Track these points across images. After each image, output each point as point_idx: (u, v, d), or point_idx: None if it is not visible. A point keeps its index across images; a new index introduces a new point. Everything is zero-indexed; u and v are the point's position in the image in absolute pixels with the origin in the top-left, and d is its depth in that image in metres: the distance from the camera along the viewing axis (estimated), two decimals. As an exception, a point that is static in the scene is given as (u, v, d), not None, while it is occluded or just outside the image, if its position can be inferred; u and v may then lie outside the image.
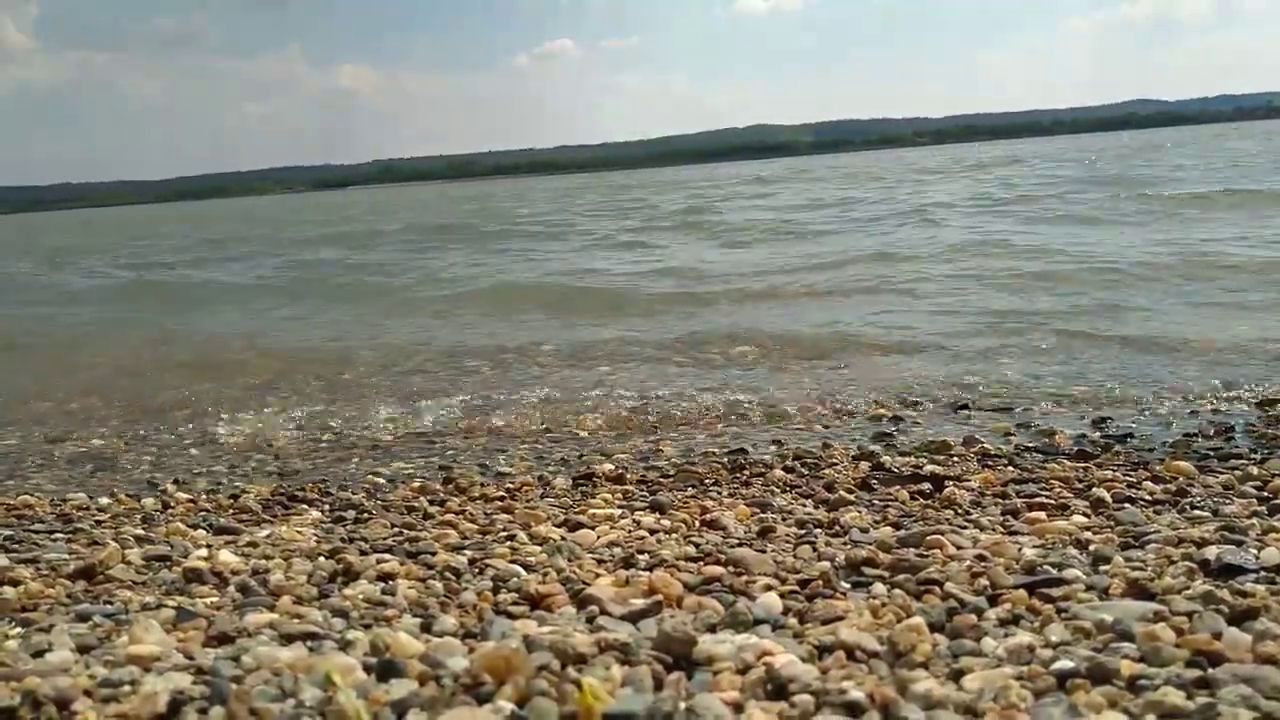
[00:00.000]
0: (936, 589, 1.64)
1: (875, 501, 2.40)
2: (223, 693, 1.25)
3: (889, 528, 2.12)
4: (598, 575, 1.83)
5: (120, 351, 6.31)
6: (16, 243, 27.62)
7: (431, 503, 2.60)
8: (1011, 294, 6.29)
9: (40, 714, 1.22)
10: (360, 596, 1.74)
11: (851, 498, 2.42)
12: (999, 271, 7.24)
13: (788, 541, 2.04)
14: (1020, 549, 1.86)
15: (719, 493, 2.58)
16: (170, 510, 2.67)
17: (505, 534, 2.20)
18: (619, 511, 2.37)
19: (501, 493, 2.68)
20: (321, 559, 2.02)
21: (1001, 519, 2.17)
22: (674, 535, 2.13)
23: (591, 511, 2.37)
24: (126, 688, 1.29)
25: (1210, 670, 1.24)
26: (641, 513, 2.36)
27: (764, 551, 1.92)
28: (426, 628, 1.57)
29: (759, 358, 4.84)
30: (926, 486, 2.50)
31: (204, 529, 2.39)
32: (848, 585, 1.72)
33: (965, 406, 3.62)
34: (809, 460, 2.94)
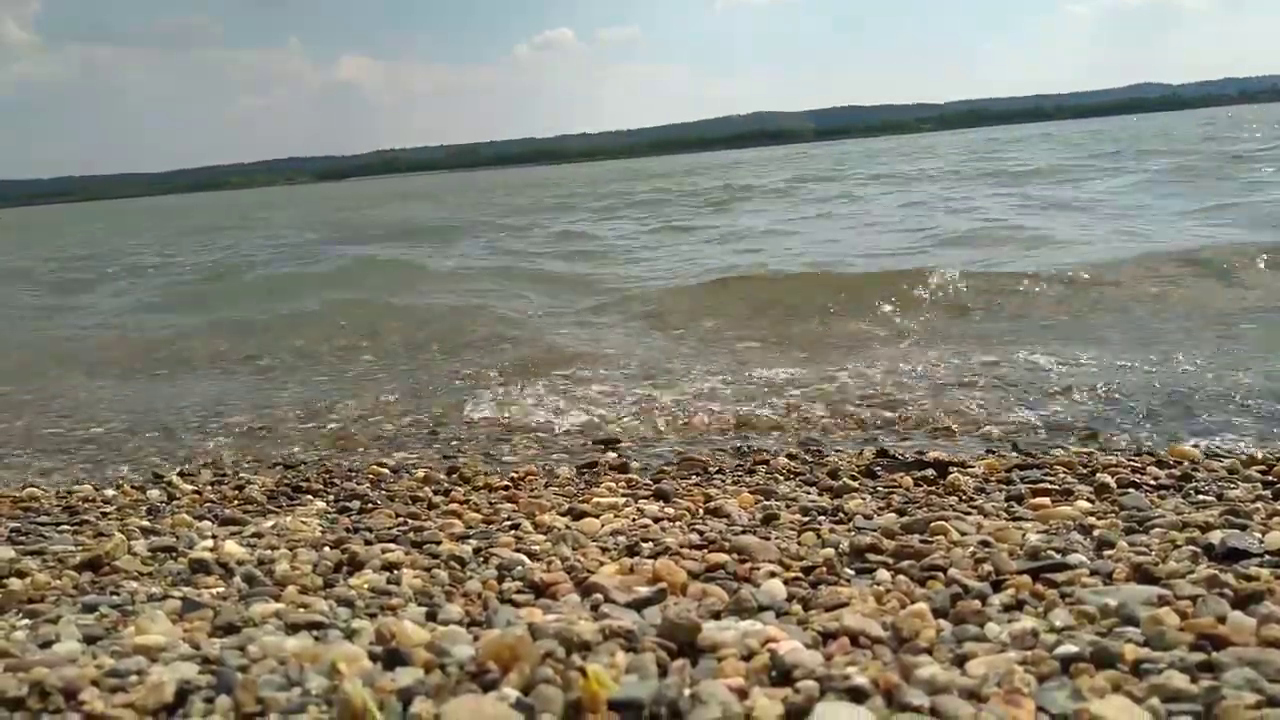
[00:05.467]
0: (940, 575, 1.64)
1: (879, 488, 2.40)
2: (229, 682, 1.26)
3: (893, 514, 2.12)
4: (602, 563, 1.83)
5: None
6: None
7: (436, 492, 2.61)
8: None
9: (48, 704, 1.22)
10: (365, 586, 1.74)
11: (855, 484, 2.42)
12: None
13: (792, 528, 2.04)
14: (1024, 534, 1.86)
15: (723, 480, 2.58)
16: (176, 502, 2.68)
17: (509, 523, 2.20)
18: (623, 500, 2.37)
19: (506, 482, 2.69)
20: (326, 549, 2.03)
21: (1005, 505, 2.17)
22: (678, 523, 2.13)
23: (595, 500, 2.37)
24: (133, 678, 1.30)
25: (1214, 654, 1.23)
26: (645, 501, 2.36)
27: (768, 539, 1.93)
28: (432, 616, 1.57)
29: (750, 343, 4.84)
30: (930, 473, 2.50)
31: (209, 520, 2.39)
32: (852, 572, 1.73)
33: (968, 384, 3.62)
34: (813, 447, 2.94)
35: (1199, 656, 1.23)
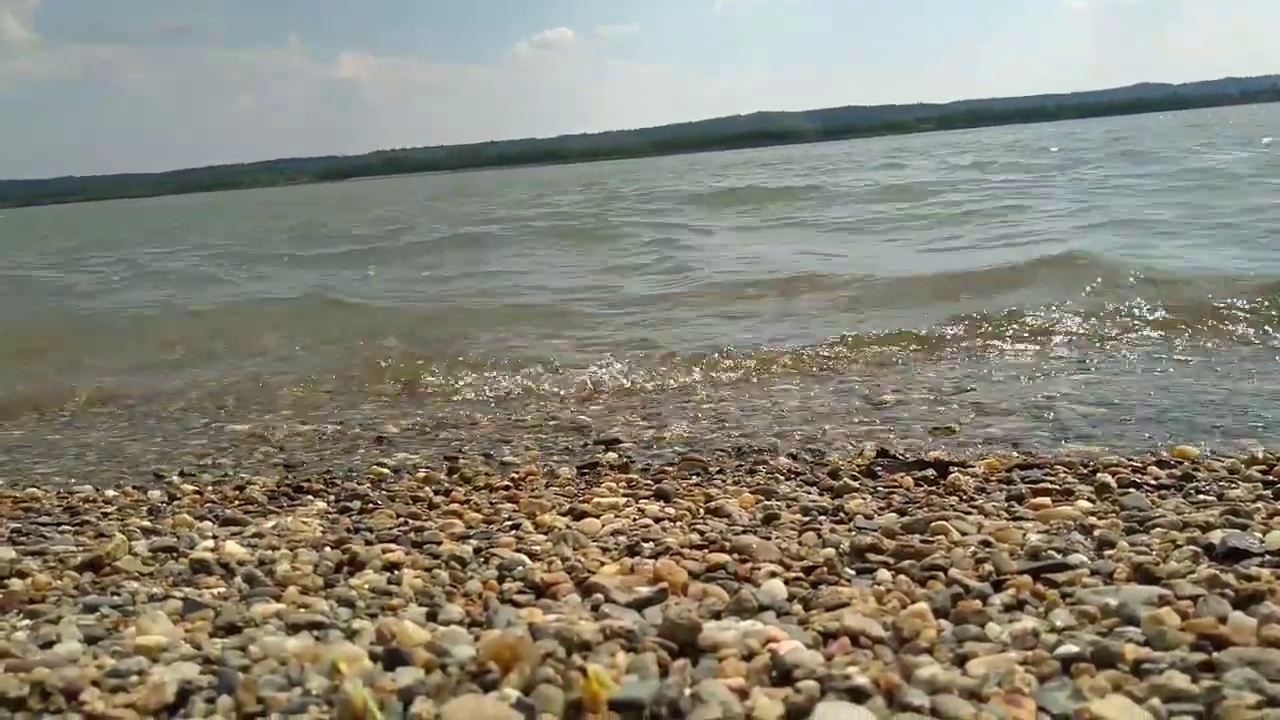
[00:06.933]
0: (941, 575, 1.64)
1: (880, 488, 2.40)
2: (230, 682, 1.26)
3: (894, 514, 2.11)
4: (602, 563, 1.83)
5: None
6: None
7: (436, 493, 2.61)
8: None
9: (49, 704, 1.23)
10: (366, 586, 1.74)
11: (856, 484, 2.42)
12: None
13: (792, 528, 2.04)
14: (1025, 534, 1.86)
15: (723, 480, 2.58)
16: (176, 502, 2.68)
17: (510, 523, 2.20)
18: (623, 500, 2.37)
19: (506, 482, 2.69)
20: (327, 549, 2.03)
21: (1006, 505, 2.17)
22: (678, 523, 2.13)
23: (596, 500, 2.37)
24: (134, 678, 1.30)
25: (1215, 654, 1.24)
26: (646, 501, 2.36)
27: (769, 539, 1.92)
28: (432, 616, 1.57)
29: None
30: (931, 473, 2.49)
31: (210, 520, 2.39)
32: (852, 572, 1.72)
33: (968, 390, 3.62)
34: (813, 447, 2.94)
35: (1200, 656, 1.23)
